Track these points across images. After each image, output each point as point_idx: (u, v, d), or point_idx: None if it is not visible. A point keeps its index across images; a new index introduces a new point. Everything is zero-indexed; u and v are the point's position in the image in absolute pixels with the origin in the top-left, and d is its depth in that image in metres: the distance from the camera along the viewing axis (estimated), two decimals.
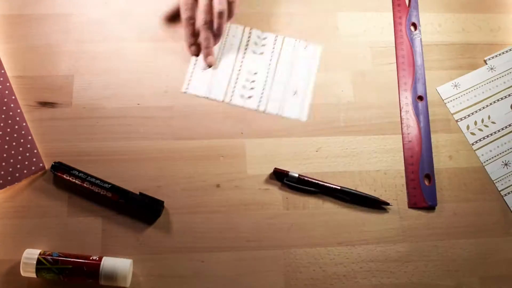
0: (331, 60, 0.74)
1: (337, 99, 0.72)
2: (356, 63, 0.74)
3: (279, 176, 0.67)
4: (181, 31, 0.70)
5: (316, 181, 0.67)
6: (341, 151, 0.70)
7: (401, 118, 0.71)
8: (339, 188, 0.67)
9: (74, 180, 0.63)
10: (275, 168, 0.67)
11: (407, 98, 0.72)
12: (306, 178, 0.67)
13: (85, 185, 0.63)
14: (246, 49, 0.71)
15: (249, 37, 0.72)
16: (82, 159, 0.65)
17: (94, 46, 0.71)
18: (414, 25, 0.76)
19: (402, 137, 0.70)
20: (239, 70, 0.70)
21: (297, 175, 0.67)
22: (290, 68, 0.72)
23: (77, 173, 0.63)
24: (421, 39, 0.75)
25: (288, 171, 0.67)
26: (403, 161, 0.70)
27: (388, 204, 0.67)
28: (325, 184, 0.67)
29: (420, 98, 0.73)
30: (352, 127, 0.71)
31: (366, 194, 0.67)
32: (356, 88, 0.73)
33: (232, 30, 0.72)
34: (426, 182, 0.68)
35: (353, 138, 0.70)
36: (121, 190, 0.63)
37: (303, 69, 0.72)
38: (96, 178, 0.64)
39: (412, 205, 0.67)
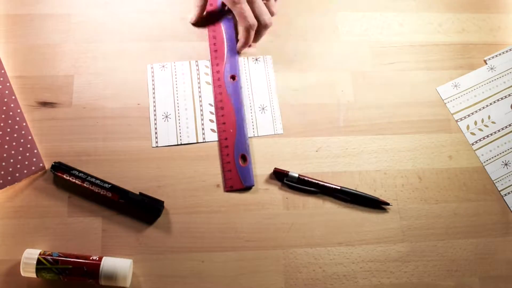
0: (331, 60, 0.74)
1: (337, 99, 0.72)
2: (356, 63, 0.74)
3: (279, 176, 0.67)
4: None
5: (316, 181, 0.67)
6: (341, 151, 0.69)
7: (214, 98, 0.69)
8: (339, 188, 0.67)
9: (74, 180, 0.63)
10: (275, 168, 0.67)
11: (220, 80, 0.70)
12: (306, 178, 0.66)
13: (85, 185, 0.63)
14: (199, 82, 0.70)
15: (197, 69, 0.70)
16: (82, 159, 0.65)
17: (94, 46, 0.71)
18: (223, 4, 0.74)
19: (216, 119, 0.68)
20: (201, 105, 0.68)
21: (297, 175, 0.66)
22: (249, 85, 0.70)
23: (77, 173, 0.63)
24: (231, 18, 0.74)
25: (288, 171, 0.67)
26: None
27: (388, 204, 0.67)
28: (325, 184, 0.67)
29: (233, 77, 0.71)
30: (352, 127, 0.71)
31: (366, 194, 0.67)
32: (356, 88, 0.73)
33: (179, 68, 0.70)
34: (241, 163, 0.66)
35: (353, 138, 0.70)
36: (121, 190, 0.63)
37: (261, 82, 0.70)
38: (96, 178, 0.63)
39: (229, 188, 0.65)
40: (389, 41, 0.76)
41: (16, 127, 0.65)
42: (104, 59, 0.70)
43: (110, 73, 0.69)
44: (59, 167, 0.63)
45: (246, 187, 0.66)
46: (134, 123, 0.68)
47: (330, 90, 0.72)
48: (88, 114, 0.68)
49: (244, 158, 0.67)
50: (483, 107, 0.73)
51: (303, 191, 0.66)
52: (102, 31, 0.72)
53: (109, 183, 0.63)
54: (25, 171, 0.63)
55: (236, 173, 0.65)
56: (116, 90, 0.69)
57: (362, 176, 0.68)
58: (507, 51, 0.77)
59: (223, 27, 0.73)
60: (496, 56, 0.76)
